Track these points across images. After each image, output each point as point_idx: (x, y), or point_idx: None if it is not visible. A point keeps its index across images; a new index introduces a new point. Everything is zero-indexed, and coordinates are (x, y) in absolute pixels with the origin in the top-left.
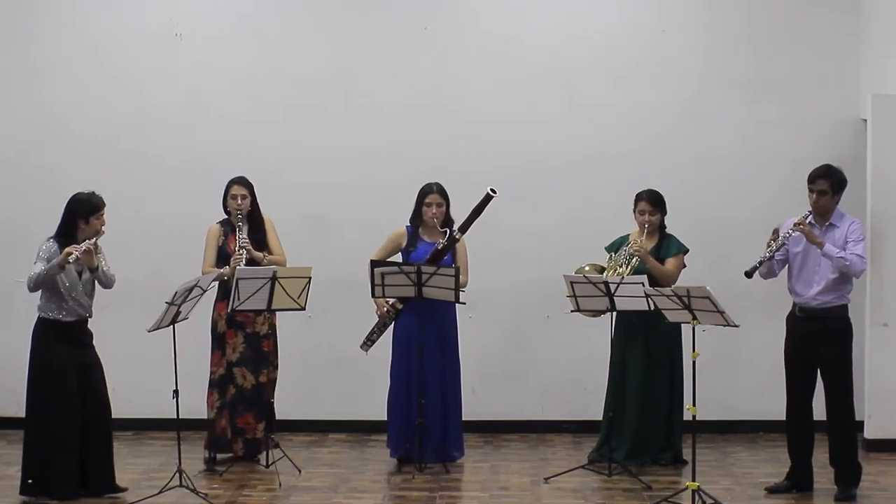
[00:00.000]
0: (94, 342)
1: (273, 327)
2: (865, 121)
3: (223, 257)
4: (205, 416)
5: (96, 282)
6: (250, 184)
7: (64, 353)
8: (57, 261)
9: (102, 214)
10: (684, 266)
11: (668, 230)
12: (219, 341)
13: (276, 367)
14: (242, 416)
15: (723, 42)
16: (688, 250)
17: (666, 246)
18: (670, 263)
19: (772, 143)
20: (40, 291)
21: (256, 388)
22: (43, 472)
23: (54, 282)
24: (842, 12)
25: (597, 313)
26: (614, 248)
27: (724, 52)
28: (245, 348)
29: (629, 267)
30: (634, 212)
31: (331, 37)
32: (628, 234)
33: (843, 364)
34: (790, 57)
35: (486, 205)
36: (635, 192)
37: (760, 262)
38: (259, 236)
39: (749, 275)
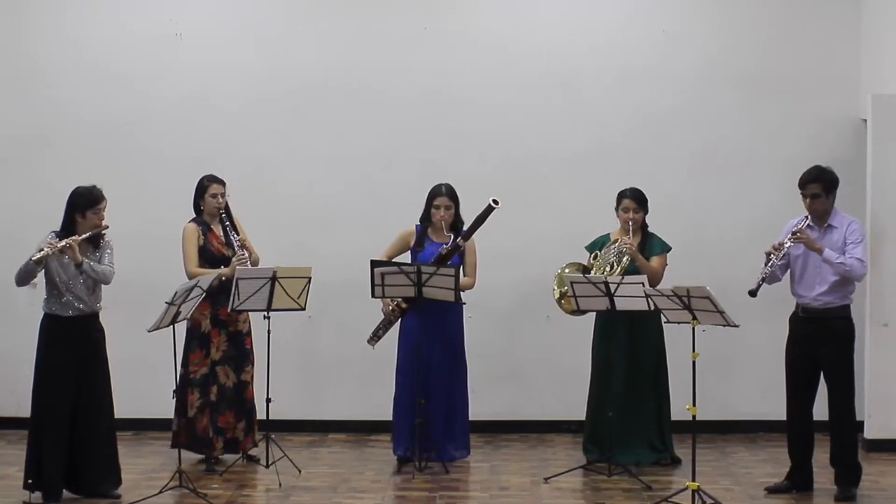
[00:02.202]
0: (104, 337)
1: (250, 324)
2: (865, 121)
3: (206, 256)
4: None
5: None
6: (224, 181)
7: (63, 352)
8: (32, 257)
9: (101, 209)
10: (666, 264)
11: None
12: (202, 341)
13: (253, 364)
14: (223, 414)
15: (723, 42)
16: (670, 249)
17: (650, 245)
18: (655, 262)
19: (772, 142)
20: (44, 287)
21: (238, 385)
22: (38, 470)
23: (50, 276)
24: (842, 12)
25: (578, 312)
26: (596, 246)
27: (724, 52)
28: (228, 346)
29: (620, 266)
30: (617, 210)
31: (331, 37)
32: (609, 234)
33: (845, 364)
34: (790, 57)
35: (487, 215)
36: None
37: (763, 279)
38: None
39: (753, 294)
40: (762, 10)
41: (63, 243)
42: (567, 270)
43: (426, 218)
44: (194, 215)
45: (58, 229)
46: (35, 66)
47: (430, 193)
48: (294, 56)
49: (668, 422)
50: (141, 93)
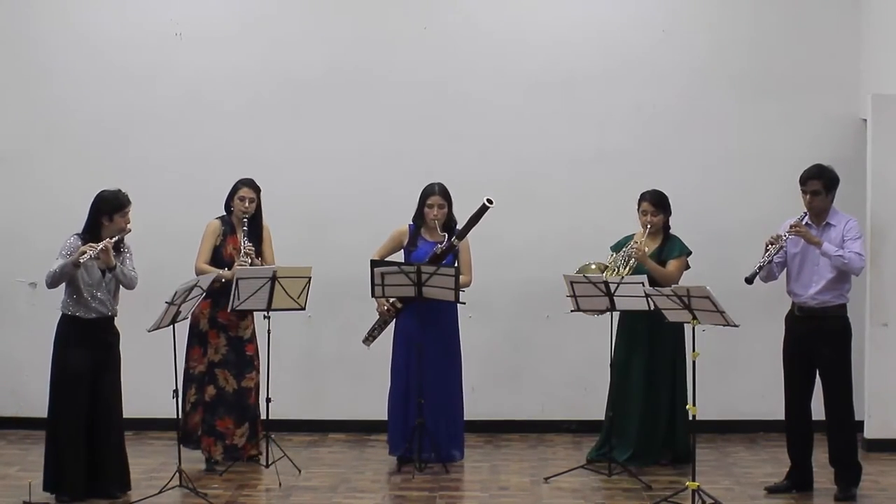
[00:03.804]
0: (119, 341)
1: (254, 330)
2: (865, 121)
3: (218, 257)
4: None
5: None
6: (259, 188)
7: (80, 355)
8: (71, 258)
9: (127, 212)
10: (688, 267)
11: (671, 231)
12: (200, 338)
13: (258, 371)
14: (222, 419)
15: (723, 42)
16: (690, 252)
17: (668, 248)
18: (672, 265)
19: (772, 142)
20: (63, 289)
21: (238, 392)
22: (56, 471)
23: (74, 279)
24: (842, 12)
25: (597, 312)
26: (619, 247)
27: (724, 51)
28: (228, 351)
29: (628, 268)
30: (638, 212)
31: (331, 36)
32: (633, 234)
33: (842, 364)
34: (790, 56)
35: (482, 214)
36: (635, 191)
37: (760, 268)
38: (256, 243)
39: (749, 281)
40: (762, 10)
41: (101, 246)
42: (593, 266)
43: (419, 217)
44: (223, 213)
45: (79, 232)
46: (36, 66)
47: (422, 192)
48: (294, 55)
49: (683, 421)
50: (141, 92)
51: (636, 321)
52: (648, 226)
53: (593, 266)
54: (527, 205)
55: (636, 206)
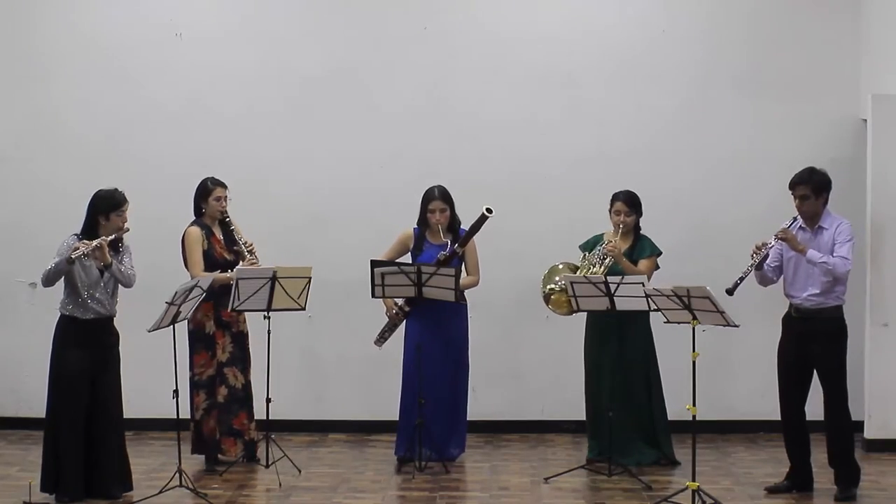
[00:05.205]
0: (118, 341)
1: (247, 324)
2: (865, 121)
3: (210, 260)
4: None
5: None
6: (226, 185)
7: (78, 357)
8: (64, 256)
9: (124, 211)
10: (657, 268)
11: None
12: (207, 342)
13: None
14: (237, 416)
15: (723, 42)
16: (661, 253)
17: (640, 247)
18: (643, 265)
19: (772, 143)
20: (62, 289)
21: (245, 386)
22: (53, 472)
23: (72, 279)
24: (842, 12)
25: (565, 313)
26: (588, 246)
27: (724, 52)
28: (233, 348)
29: (603, 266)
30: (610, 212)
31: (331, 37)
32: (603, 234)
33: (838, 365)
34: (790, 57)
35: (481, 224)
36: (635, 191)
37: (741, 279)
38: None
39: (730, 292)
40: (762, 10)
41: (96, 243)
42: (560, 266)
43: (423, 221)
44: (195, 217)
45: (78, 231)
46: (35, 67)
47: (424, 197)
48: (294, 56)
49: (662, 423)
50: (141, 93)
51: (604, 317)
52: (621, 226)
53: (560, 266)
54: (527, 204)
55: (608, 206)
